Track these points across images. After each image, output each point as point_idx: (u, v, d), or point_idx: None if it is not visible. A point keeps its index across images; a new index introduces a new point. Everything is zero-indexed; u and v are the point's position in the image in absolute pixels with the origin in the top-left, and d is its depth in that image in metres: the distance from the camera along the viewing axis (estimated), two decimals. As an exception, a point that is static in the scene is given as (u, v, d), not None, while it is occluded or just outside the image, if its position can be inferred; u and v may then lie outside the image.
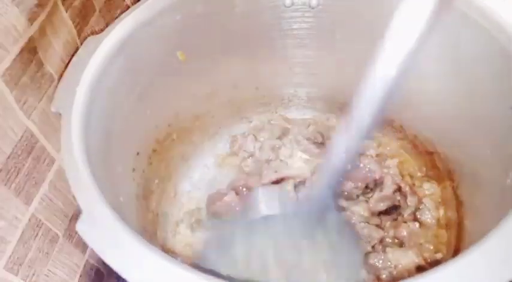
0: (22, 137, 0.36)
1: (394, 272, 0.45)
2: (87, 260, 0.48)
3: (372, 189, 0.53)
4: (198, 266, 0.44)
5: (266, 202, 0.49)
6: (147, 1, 0.45)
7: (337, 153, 0.37)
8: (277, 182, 0.55)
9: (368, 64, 0.31)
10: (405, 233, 0.48)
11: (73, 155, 0.34)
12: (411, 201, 0.51)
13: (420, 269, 0.45)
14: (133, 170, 0.47)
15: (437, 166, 0.52)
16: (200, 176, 0.59)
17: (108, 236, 0.29)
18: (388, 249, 0.47)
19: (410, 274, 0.45)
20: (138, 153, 0.48)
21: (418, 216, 0.50)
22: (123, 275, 0.27)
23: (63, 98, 0.38)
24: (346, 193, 0.52)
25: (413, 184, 0.54)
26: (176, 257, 0.48)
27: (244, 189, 0.55)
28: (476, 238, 0.29)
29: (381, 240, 0.49)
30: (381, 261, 0.46)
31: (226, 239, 0.46)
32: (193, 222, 0.55)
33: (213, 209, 0.54)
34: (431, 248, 0.48)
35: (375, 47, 0.28)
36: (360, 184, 0.52)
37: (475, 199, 0.45)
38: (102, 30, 0.44)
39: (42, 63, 0.39)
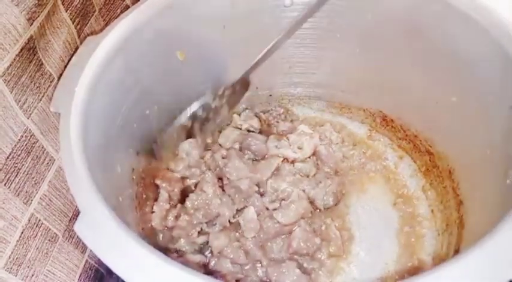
0: (22, 136, 0.36)
1: None
2: (86, 260, 0.48)
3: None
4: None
5: None
6: (146, 1, 0.45)
7: None
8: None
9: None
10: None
11: (72, 155, 0.34)
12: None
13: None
14: (133, 169, 0.47)
15: (437, 166, 0.52)
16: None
17: (107, 236, 0.29)
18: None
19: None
20: (137, 153, 0.48)
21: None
22: (122, 276, 0.27)
23: (62, 98, 0.38)
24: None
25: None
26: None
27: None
28: (477, 237, 0.29)
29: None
30: None
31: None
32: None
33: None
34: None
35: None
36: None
37: (475, 199, 0.45)
38: (101, 30, 0.44)
39: (42, 63, 0.39)
